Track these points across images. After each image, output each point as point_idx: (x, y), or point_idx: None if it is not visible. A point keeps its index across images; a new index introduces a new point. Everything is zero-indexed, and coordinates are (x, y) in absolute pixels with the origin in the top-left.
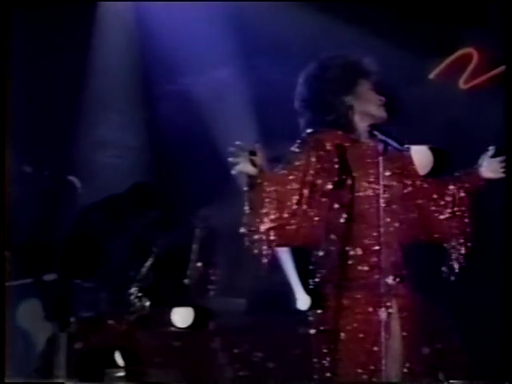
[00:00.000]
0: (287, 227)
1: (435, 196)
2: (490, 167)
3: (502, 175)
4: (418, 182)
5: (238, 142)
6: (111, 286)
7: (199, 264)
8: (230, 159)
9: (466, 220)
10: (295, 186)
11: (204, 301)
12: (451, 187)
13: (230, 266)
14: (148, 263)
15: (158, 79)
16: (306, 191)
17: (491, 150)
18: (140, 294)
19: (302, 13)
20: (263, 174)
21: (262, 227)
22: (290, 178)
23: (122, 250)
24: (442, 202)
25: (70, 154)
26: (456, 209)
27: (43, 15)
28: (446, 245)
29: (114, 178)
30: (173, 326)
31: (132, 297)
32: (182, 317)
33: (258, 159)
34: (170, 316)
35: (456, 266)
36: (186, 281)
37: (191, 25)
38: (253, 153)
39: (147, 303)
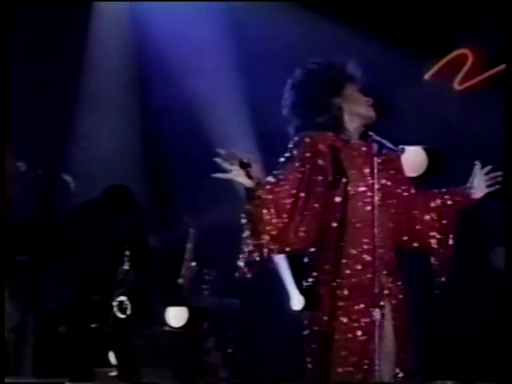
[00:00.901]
0: (286, 234)
1: (422, 208)
2: (479, 187)
3: (491, 189)
4: (408, 188)
5: (232, 150)
6: (91, 291)
7: (193, 264)
8: (221, 162)
9: (451, 235)
10: (292, 191)
11: (198, 300)
12: (439, 203)
13: (225, 265)
14: (125, 267)
15: (152, 79)
16: (302, 194)
17: (478, 166)
18: (121, 299)
19: (298, 14)
20: (261, 186)
21: (262, 239)
22: (287, 182)
23: (99, 254)
24: (428, 217)
25: (63, 152)
26: (443, 223)
27: (39, 16)
28: (431, 257)
29: (106, 179)
30: (167, 325)
31: (113, 302)
32: (176, 316)
33: (254, 171)
34: (165, 315)
35: (438, 278)
36: (180, 280)
37: (187, 25)
38: (247, 165)
39: (129, 307)
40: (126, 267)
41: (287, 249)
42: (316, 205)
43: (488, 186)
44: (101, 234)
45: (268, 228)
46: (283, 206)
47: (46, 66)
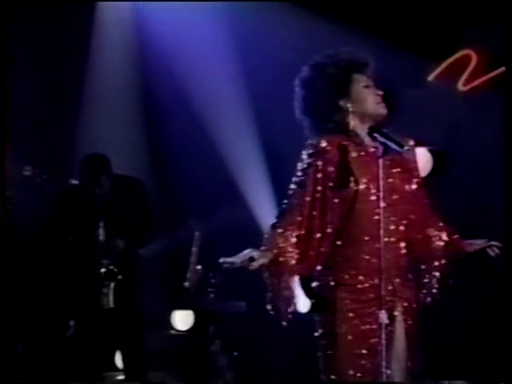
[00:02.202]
0: (307, 253)
1: (430, 221)
2: (477, 243)
3: (483, 250)
4: (421, 192)
5: (229, 260)
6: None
7: (199, 267)
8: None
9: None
10: (308, 199)
11: (204, 304)
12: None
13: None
14: (103, 234)
15: (155, 80)
16: (318, 203)
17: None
18: (110, 267)
19: (298, 14)
20: (274, 251)
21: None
22: (301, 191)
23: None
24: (434, 233)
25: (68, 156)
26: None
27: (42, 17)
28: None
29: None
30: (173, 328)
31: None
32: (182, 320)
33: (260, 260)
34: (171, 319)
35: (432, 291)
36: (186, 284)
37: (190, 26)
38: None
39: (119, 276)
40: (104, 235)
41: (311, 269)
42: (332, 212)
43: (485, 247)
44: (83, 201)
45: (290, 255)
46: (301, 222)
47: (48, 68)
